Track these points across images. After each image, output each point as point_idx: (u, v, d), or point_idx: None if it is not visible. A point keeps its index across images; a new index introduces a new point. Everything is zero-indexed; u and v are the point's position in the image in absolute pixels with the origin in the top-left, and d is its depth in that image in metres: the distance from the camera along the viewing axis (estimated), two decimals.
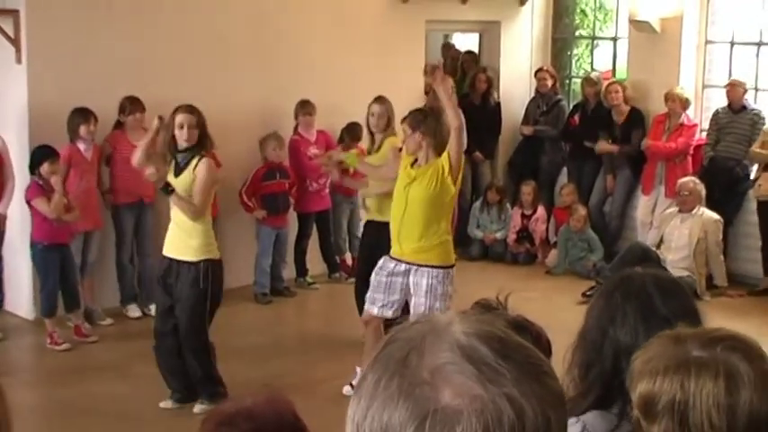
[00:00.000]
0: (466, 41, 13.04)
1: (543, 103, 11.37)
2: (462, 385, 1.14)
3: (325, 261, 9.97)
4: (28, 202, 7.74)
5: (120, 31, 8.58)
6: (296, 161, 9.51)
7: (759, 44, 10.26)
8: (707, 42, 10.56)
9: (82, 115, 8.05)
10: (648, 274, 2.54)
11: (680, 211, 9.46)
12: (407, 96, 10.62)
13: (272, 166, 9.17)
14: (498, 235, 10.90)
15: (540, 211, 10.92)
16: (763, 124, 9.66)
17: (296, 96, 9.51)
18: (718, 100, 10.32)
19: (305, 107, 9.46)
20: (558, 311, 7.82)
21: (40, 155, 7.72)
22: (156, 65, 8.77)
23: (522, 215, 10.95)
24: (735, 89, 9.80)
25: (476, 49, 12.39)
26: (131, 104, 8.37)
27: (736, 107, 9.83)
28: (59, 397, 6.91)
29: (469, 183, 11.20)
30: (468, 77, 11.55)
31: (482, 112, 11.13)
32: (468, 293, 7.43)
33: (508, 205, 10.99)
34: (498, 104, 11.42)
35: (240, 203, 9.11)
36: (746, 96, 9.89)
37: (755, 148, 9.43)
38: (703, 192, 9.43)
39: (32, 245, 7.83)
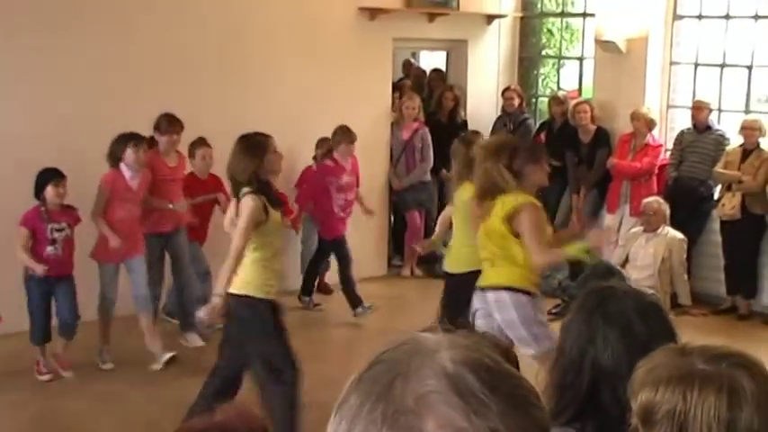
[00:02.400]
0: (433, 59, 13.06)
1: (510, 121, 11.40)
2: (446, 416, 1.11)
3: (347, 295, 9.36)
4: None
5: (85, 46, 8.53)
6: (321, 187, 9.34)
7: (722, 65, 10.37)
8: (672, 63, 10.66)
9: (131, 139, 7.45)
10: (629, 296, 2.52)
11: (645, 230, 9.52)
12: (374, 113, 10.66)
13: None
14: None
15: None
16: (727, 145, 9.75)
17: (263, 113, 9.46)
18: (683, 120, 10.41)
19: (348, 135, 9.24)
20: None
21: (44, 177, 7.13)
22: (120, 80, 8.70)
23: None
24: (699, 110, 9.88)
25: (443, 68, 12.42)
26: (169, 124, 7.97)
27: (700, 128, 9.92)
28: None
29: (436, 201, 11.20)
30: (436, 96, 11.58)
31: (449, 131, 11.11)
32: (435, 311, 7.48)
33: None
34: (465, 123, 11.44)
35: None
36: (711, 117, 9.98)
37: (719, 168, 9.51)
38: (668, 211, 9.50)
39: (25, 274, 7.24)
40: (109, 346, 7.65)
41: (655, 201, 9.60)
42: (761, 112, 9.86)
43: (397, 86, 11.56)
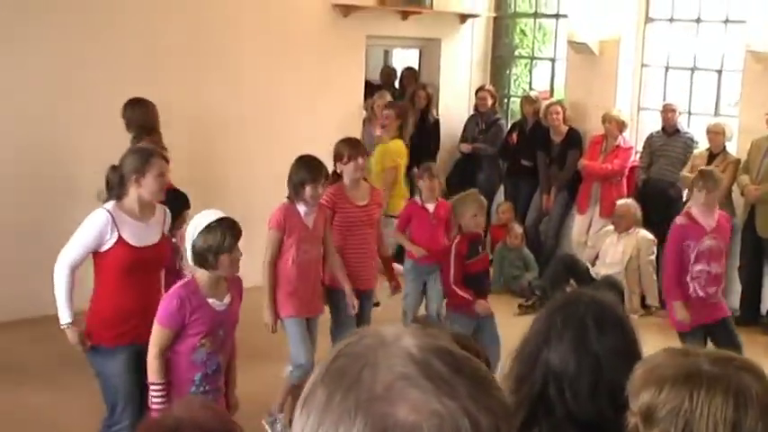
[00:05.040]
0: (406, 58, 13.06)
1: (482, 121, 11.43)
2: (419, 400, 1.12)
3: None
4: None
5: (50, 39, 8.46)
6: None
7: (693, 69, 10.44)
8: (643, 66, 10.72)
9: (310, 172, 6.12)
10: (595, 303, 2.51)
11: (615, 230, 9.63)
12: (346, 110, 10.64)
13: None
14: None
15: None
16: (695, 148, 9.83)
17: (235, 110, 9.41)
18: (653, 123, 10.48)
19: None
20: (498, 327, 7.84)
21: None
22: (87, 73, 8.62)
23: None
24: (669, 113, 9.96)
25: (416, 66, 12.43)
26: (351, 148, 6.71)
27: (669, 131, 9.99)
28: None
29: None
30: (408, 94, 11.58)
31: (421, 129, 11.15)
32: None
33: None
34: (437, 121, 11.46)
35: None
36: (680, 120, 10.06)
37: (686, 172, 9.58)
38: (638, 213, 9.59)
39: None
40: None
41: (625, 203, 9.70)
42: (729, 116, 9.94)
43: (371, 87, 11.53)
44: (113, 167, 5.17)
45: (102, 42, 8.75)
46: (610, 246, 9.65)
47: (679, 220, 6.87)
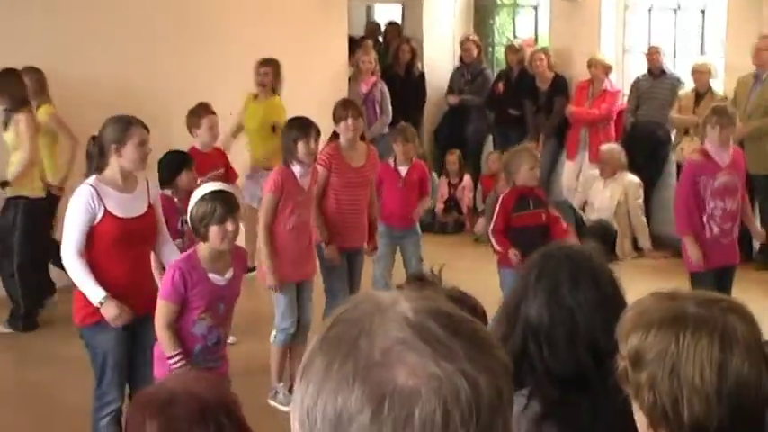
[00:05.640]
0: (389, 13, 12.99)
1: (468, 72, 11.40)
2: (417, 364, 1.13)
3: None
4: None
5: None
6: None
7: (677, 9, 10.40)
8: (626, 8, 10.67)
9: (301, 128, 6.12)
10: (568, 257, 2.50)
11: (601, 175, 9.67)
12: (331, 68, 10.59)
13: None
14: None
15: (467, 179, 10.98)
16: (682, 89, 9.82)
17: (218, 70, 9.36)
18: (639, 66, 10.46)
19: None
20: (489, 279, 7.85)
21: (177, 162, 6.32)
22: (69, 39, 8.56)
23: (449, 184, 11.01)
24: (654, 55, 9.94)
25: (399, 20, 12.36)
26: (343, 109, 6.75)
27: (655, 73, 9.98)
28: None
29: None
30: (392, 49, 11.53)
31: (406, 83, 11.14)
32: (397, 263, 7.51)
33: (434, 175, 11.02)
34: (422, 75, 11.43)
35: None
36: (665, 62, 10.04)
37: (674, 113, 9.59)
38: (623, 157, 9.64)
39: None
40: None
41: (609, 148, 9.73)
42: (715, 56, 9.92)
43: (352, 41, 11.48)
44: (93, 138, 5.08)
45: (86, 19, 8.69)
46: (597, 192, 9.73)
47: (693, 156, 6.84)
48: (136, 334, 5.05)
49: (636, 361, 1.86)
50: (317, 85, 10.32)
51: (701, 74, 9.43)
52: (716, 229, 6.63)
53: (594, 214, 9.70)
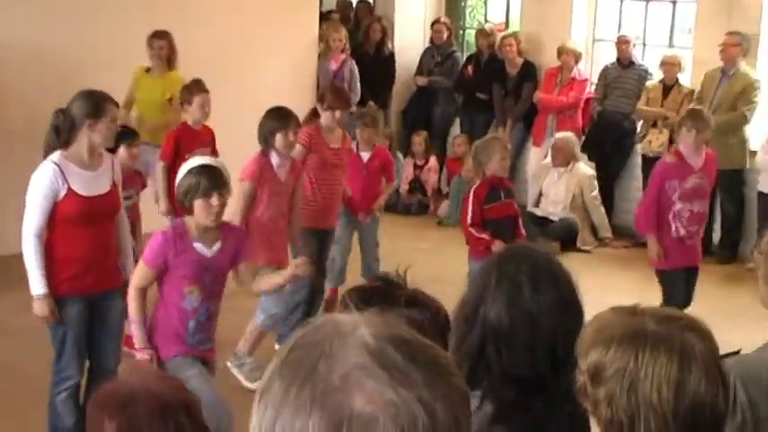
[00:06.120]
0: None
1: (438, 54, 11.39)
2: (374, 391, 1.13)
3: None
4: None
5: None
6: None
7: (648, 0, 10.43)
8: None
9: (281, 119, 6.14)
10: (528, 260, 2.48)
11: (554, 165, 9.71)
12: (301, 44, 10.53)
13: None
14: None
15: (433, 161, 10.98)
16: (650, 80, 9.87)
17: (187, 46, 9.25)
18: (608, 54, 10.49)
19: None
20: (451, 262, 7.89)
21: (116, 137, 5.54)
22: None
23: (415, 165, 11.00)
24: (623, 44, 9.97)
25: None
26: (334, 98, 6.80)
27: (624, 62, 10.02)
28: None
29: None
30: (363, 27, 11.48)
31: (376, 62, 11.10)
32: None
33: (400, 155, 11.00)
34: (392, 54, 11.40)
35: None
36: (634, 52, 10.08)
37: (641, 105, 9.64)
38: (577, 147, 9.70)
39: None
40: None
41: (563, 136, 9.77)
42: (683, 48, 9.97)
43: (324, 17, 11.43)
44: (60, 111, 4.92)
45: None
46: (551, 184, 9.79)
47: (668, 158, 6.82)
48: (97, 309, 4.99)
49: (595, 376, 1.88)
50: (287, 59, 10.27)
51: (670, 66, 9.48)
52: (682, 231, 6.66)
53: (551, 207, 9.75)
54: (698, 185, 6.67)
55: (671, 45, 10.12)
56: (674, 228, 6.64)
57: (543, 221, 9.71)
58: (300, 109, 10.31)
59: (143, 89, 8.26)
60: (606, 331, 1.90)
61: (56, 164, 4.79)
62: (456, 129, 11.34)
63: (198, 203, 4.49)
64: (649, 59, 10.19)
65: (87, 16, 8.70)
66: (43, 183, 4.77)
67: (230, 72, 9.58)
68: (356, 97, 10.73)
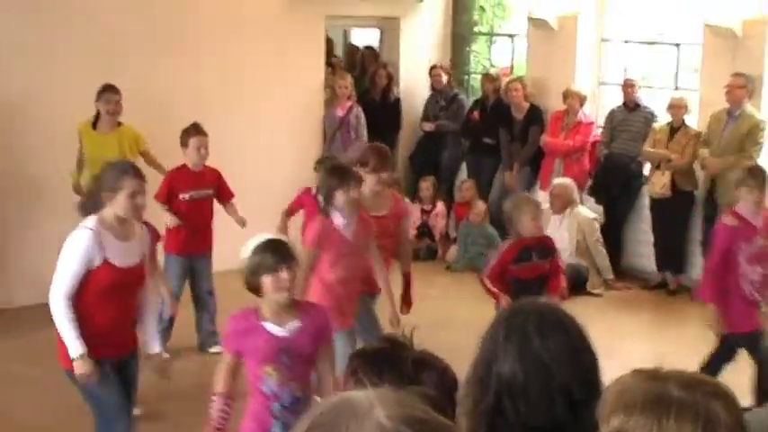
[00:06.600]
0: (366, 37, 13.00)
1: (442, 98, 11.42)
2: None
3: None
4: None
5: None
6: None
7: (653, 42, 10.47)
8: (603, 40, 10.74)
9: (341, 177, 5.75)
10: (533, 311, 2.49)
11: (553, 212, 9.64)
12: (307, 90, 10.59)
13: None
14: None
15: (440, 206, 10.97)
16: (655, 122, 9.87)
17: (193, 92, 9.32)
18: (614, 98, 10.51)
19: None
20: (459, 308, 7.87)
21: None
22: (44, 52, 8.52)
23: (422, 210, 10.99)
24: (629, 88, 9.99)
25: (375, 45, 12.37)
26: (379, 160, 6.38)
27: (630, 105, 10.03)
28: None
29: None
30: (369, 73, 11.53)
31: (382, 108, 11.14)
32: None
33: (408, 201, 10.99)
34: (398, 100, 11.44)
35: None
36: (640, 95, 10.09)
37: (647, 147, 9.64)
38: (575, 193, 9.66)
39: None
40: None
41: (562, 183, 9.74)
42: (689, 90, 9.97)
43: (329, 63, 11.50)
44: (95, 177, 4.90)
45: (63, 32, 8.63)
46: (554, 231, 9.59)
47: (728, 221, 6.37)
48: (119, 373, 4.99)
49: None
50: (292, 108, 10.34)
51: (677, 108, 9.48)
52: (756, 295, 6.30)
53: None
54: (765, 247, 6.30)
55: (676, 88, 10.14)
56: (747, 291, 6.28)
57: None
58: (308, 152, 10.43)
59: (96, 146, 8.01)
60: (627, 395, 1.85)
61: (92, 230, 4.73)
62: (463, 173, 11.34)
63: (267, 280, 4.27)
64: (654, 102, 10.19)
65: (115, 62, 8.78)
66: (79, 249, 4.72)
67: (239, 117, 9.67)
68: (363, 143, 10.75)
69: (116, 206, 4.78)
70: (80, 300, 4.79)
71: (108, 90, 8.03)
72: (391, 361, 2.30)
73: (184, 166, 7.43)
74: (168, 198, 7.35)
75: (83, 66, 8.64)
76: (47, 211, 8.35)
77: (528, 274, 6.31)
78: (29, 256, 8.50)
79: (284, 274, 4.27)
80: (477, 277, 6.52)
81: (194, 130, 7.39)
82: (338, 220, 5.74)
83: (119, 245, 4.81)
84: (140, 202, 4.85)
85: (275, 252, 4.29)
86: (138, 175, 4.89)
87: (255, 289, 4.33)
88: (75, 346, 4.75)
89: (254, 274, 4.29)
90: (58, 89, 8.49)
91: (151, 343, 5.14)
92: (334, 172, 5.86)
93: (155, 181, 6.87)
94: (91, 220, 4.78)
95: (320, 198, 5.85)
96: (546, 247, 6.47)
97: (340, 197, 5.67)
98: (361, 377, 2.30)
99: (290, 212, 7.68)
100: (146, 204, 4.96)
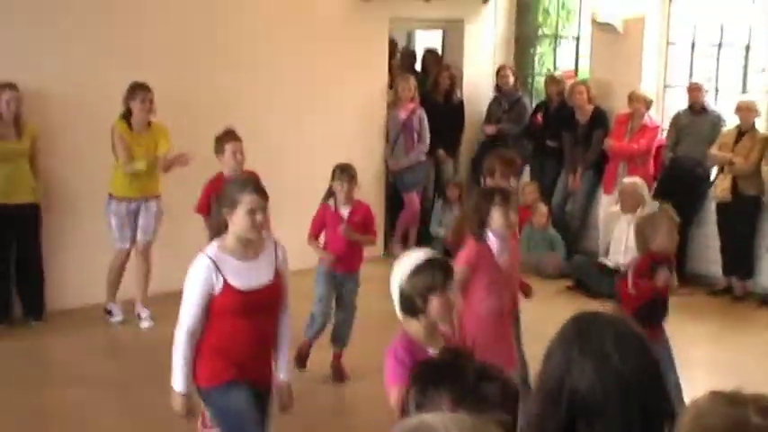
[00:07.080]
0: (428, 40, 13.02)
1: (505, 101, 11.39)
2: None
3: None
4: None
5: (77, 20, 8.51)
6: None
7: (720, 45, 10.34)
8: (668, 43, 10.62)
9: (497, 195, 5.38)
10: (609, 326, 2.41)
11: (622, 211, 9.49)
12: (371, 95, 10.64)
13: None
14: None
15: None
16: (723, 126, 9.74)
17: (257, 96, 9.41)
18: (680, 101, 10.39)
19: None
20: (522, 312, 7.81)
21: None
22: (111, 57, 8.64)
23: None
24: (695, 91, 9.87)
25: (437, 47, 12.38)
26: (505, 166, 6.20)
27: (696, 109, 9.91)
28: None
29: (432, 181, 11.21)
30: (432, 76, 11.54)
31: (445, 111, 11.14)
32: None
33: None
34: (461, 102, 11.43)
35: None
36: (706, 98, 9.97)
37: (714, 150, 9.51)
38: (645, 191, 9.48)
39: None
40: None
41: (632, 181, 9.58)
42: (757, 92, 9.83)
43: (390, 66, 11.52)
44: (216, 198, 4.66)
45: (122, 33, 8.76)
46: (622, 232, 9.41)
47: None
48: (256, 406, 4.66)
49: None
50: (356, 111, 10.40)
51: (747, 111, 9.31)
52: None
53: (622, 258, 9.31)
54: None
55: (744, 91, 9.99)
56: None
57: (613, 273, 9.51)
58: (372, 155, 10.48)
59: (150, 141, 8.15)
60: (704, 421, 1.80)
61: (210, 258, 4.52)
62: (526, 176, 11.30)
63: (436, 301, 3.86)
64: (721, 106, 10.05)
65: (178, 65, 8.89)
66: (198, 279, 4.51)
67: (303, 122, 9.71)
68: (425, 147, 10.78)
69: (236, 224, 4.54)
70: (211, 329, 4.59)
71: (141, 88, 8.03)
72: (453, 372, 2.27)
73: (221, 174, 7.17)
74: (210, 210, 6.76)
75: (135, 67, 8.75)
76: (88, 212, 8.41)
77: (658, 293, 5.98)
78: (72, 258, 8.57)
79: (452, 295, 3.93)
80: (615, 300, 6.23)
81: (229, 136, 7.21)
82: (494, 245, 5.35)
83: (241, 265, 4.57)
84: (260, 218, 4.55)
85: (442, 270, 3.92)
86: (259, 190, 4.61)
87: (416, 311, 3.89)
88: (178, 381, 4.57)
89: (424, 295, 3.85)
90: (106, 87, 8.54)
91: (282, 367, 4.84)
92: (487, 192, 5.48)
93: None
94: (211, 246, 4.60)
95: (472, 224, 5.36)
96: (672, 267, 6.11)
97: (498, 218, 5.28)
98: (421, 388, 2.27)
99: (316, 236, 7.24)
100: (267, 222, 4.68)
